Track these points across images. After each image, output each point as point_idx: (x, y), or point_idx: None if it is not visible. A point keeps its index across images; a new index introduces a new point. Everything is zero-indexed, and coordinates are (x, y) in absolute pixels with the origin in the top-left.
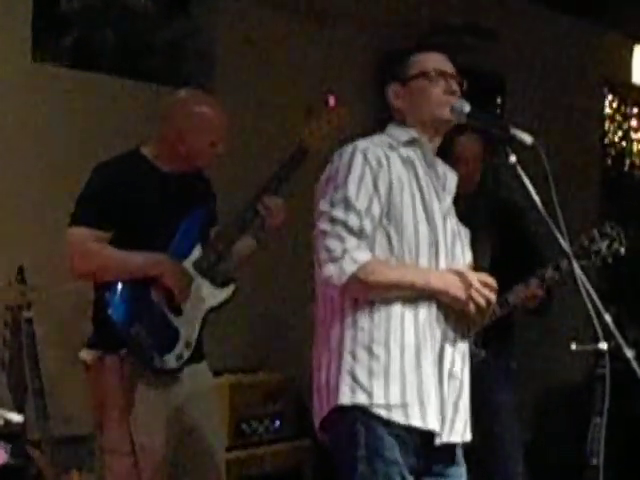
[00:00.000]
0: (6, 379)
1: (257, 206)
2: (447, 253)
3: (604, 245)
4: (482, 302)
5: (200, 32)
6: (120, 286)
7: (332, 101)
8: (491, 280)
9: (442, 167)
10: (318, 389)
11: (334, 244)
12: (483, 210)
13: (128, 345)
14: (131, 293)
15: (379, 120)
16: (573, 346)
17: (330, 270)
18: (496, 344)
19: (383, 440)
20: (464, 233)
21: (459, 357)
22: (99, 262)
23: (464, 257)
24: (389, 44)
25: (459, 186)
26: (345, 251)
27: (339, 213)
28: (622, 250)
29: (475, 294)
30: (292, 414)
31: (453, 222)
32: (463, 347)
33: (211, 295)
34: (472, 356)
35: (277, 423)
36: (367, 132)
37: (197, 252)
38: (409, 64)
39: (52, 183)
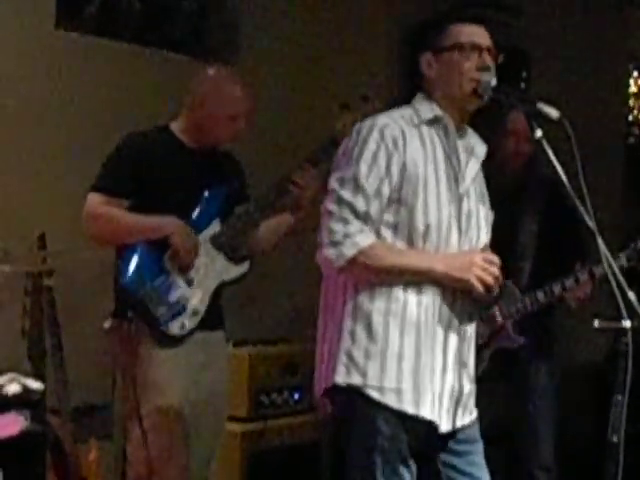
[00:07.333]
0: (27, 347)
1: (283, 186)
2: (460, 237)
3: None
4: (488, 279)
5: (225, 4)
6: (133, 252)
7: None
8: (494, 257)
9: (473, 138)
10: (320, 363)
11: (337, 227)
12: (532, 189)
13: (135, 306)
14: (144, 259)
15: (408, 90)
16: (596, 323)
17: (329, 253)
18: (537, 330)
19: (377, 418)
20: (484, 214)
21: (466, 342)
22: (109, 224)
23: (479, 239)
24: (417, 17)
25: (507, 162)
26: (347, 235)
27: (347, 194)
28: None
29: (479, 272)
30: (311, 386)
31: (471, 203)
32: (470, 331)
33: (224, 269)
34: (511, 342)
35: (296, 395)
36: (394, 104)
37: (216, 226)
38: (444, 35)
39: (73, 150)
